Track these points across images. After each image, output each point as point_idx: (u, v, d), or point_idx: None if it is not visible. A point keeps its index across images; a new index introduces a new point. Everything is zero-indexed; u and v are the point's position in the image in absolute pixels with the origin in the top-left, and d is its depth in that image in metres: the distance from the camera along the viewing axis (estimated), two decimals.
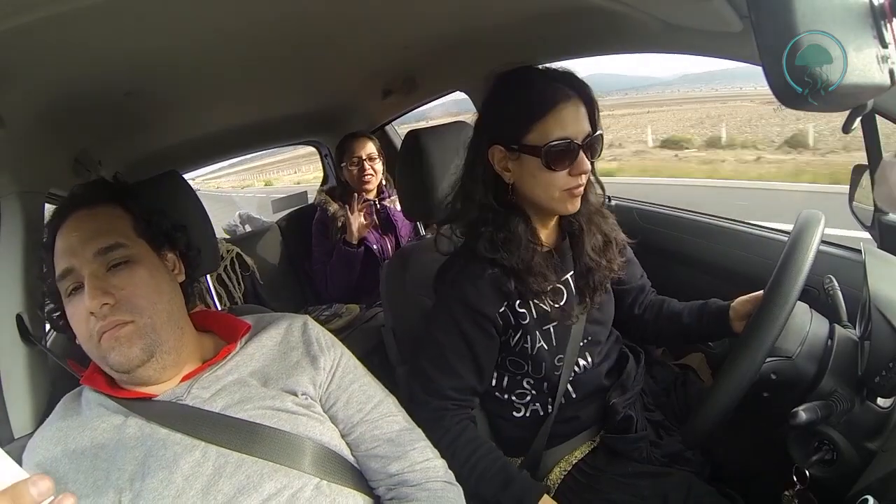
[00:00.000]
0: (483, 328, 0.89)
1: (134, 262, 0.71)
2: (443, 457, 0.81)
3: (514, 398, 0.97)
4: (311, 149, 2.60)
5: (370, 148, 1.94)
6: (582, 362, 0.96)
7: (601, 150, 0.89)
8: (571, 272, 0.95)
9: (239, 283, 1.89)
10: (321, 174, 2.60)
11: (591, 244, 0.94)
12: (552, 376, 0.94)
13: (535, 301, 0.90)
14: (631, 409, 0.95)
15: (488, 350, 0.91)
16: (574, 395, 0.96)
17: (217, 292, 1.80)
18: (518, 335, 0.91)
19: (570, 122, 0.83)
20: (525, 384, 0.96)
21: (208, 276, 1.64)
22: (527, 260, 0.87)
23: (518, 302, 0.89)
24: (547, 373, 0.93)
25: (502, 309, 0.89)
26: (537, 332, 0.91)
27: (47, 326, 0.86)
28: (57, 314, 0.74)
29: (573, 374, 0.95)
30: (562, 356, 0.93)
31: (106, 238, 0.70)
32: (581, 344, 0.95)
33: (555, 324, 0.92)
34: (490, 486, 0.85)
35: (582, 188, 0.87)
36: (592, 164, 0.89)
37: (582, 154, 0.83)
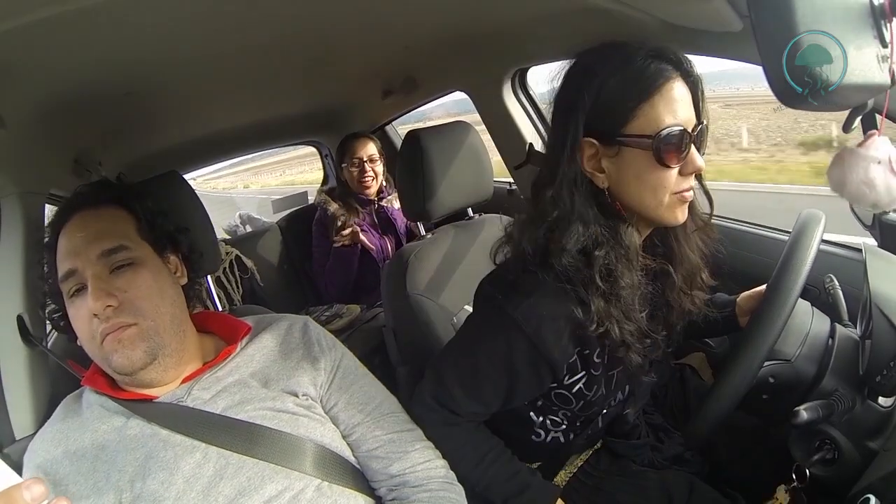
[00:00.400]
0: (538, 372, 0.75)
1: (137, 265, 0.71)
2: (445, 456, 0.79)
3: (547, 421, 0.87)
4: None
5: (371, 149, 1.93)
6: (619, 395, 0.86)
7: (705, 147, 0.72)
8: (647, 310, 0.78)
9: (238, 286, 1.87)
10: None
11: (686, 270, 0.79)
12: (593, 415, 0.85)
13: (617, 349, 0.73)
14: (639, 419, 0.94)
15: (529, 391, 0.80)
16: (599, 426, 0.90)
17: (217, 294, 1.79)
18: (579, 377, 0.78)
19: (680, 106, 0.66)
20: (561, 414, 0.86)
21: (209, 278, 1.64)
22: (631, 299, 0.70)
23: (598, 350, 0.75)
24: (592, 413, 0.84)
25: (573, 359, 0.75)
26: (603, 379, 0.78)
27: (48, 327, 0.86)
28: (58, 315, 0.74)
29: (605, 409, 0.86)
30: (613, 400, 0.84)
31: (110, 240, 0.70)
32: None
33: (620, 368, 0.78)
34: (502, 490, 0.81)
35: (692, 192, 0.71)
36: None
37: (694, 148, 0.68)
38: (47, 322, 0.80)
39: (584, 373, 0.77)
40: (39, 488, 0.36)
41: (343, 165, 1.95)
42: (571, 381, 0.78)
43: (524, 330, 0.70)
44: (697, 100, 0.70)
